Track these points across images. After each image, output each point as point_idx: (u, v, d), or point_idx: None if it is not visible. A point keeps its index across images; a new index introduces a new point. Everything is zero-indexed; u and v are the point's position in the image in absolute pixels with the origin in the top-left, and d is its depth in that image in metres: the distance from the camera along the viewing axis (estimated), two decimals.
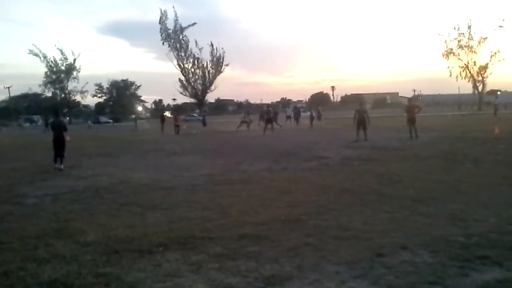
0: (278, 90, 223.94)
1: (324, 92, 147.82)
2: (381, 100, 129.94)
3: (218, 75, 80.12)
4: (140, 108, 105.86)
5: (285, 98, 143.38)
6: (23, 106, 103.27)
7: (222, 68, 79.66)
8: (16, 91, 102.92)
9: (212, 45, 78.33)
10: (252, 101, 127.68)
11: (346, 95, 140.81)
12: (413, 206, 6.72)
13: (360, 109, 20.47)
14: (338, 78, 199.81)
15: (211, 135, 29.66)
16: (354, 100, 75.97)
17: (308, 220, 6.10)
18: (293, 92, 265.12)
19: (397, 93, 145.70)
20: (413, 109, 20.14)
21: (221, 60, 79.14)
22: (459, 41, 69.89)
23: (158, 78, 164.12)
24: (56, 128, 13.66)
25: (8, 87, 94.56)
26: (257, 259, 4.58)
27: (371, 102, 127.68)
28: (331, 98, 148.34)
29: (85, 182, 10.43)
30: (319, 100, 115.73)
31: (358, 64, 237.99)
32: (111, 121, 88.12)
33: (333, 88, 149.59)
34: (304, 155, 14.56)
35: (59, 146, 13.27)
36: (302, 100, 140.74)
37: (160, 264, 4.57)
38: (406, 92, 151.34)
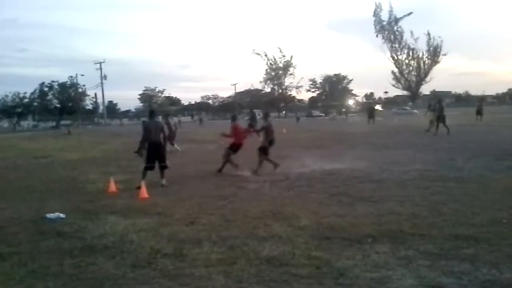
0: (504, 80, 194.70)
1: None
2: None
3: (434, 65, 76.04)
4: (350, 102, 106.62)
5: None
6: (246, 101, 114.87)
7: (439, 58, 75.06)
8: (240, 88, 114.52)
9: (428, 34, 74.46)
10: (472, 93, 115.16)
11: None
12: None
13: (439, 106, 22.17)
14: None
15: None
16: None
17: None
18: None
19: None
20: None
21: (438, 49, 74.67)
22: None
23: (370, 71, 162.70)
24: (153, 132, 9.99)
25: (234, 84, 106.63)
26: (472, 262, 4.30)
27: None
28: None
29: (298, 172, 11.14)
30: None
31: None
32: (323, 114, 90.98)
33: None
34: None
35: (158, 155, 9.98)
36: None
37: (369, 254, 4.67)
38: None
